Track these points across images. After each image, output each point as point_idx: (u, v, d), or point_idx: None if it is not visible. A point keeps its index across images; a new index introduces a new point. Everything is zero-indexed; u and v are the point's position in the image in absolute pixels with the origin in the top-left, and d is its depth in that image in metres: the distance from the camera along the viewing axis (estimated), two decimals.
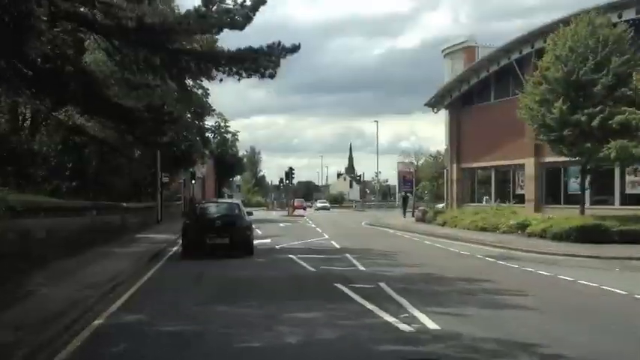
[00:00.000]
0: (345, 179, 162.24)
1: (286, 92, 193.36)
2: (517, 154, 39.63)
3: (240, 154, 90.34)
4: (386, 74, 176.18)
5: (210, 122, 54.34)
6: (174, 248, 24.21)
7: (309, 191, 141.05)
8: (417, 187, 79.49)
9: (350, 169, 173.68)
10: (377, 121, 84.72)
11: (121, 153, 32.54)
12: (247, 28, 18.58)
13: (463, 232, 31.06)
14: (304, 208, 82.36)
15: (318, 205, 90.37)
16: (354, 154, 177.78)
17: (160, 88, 32.29)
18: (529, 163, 38.64)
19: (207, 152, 54.93)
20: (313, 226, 41.24)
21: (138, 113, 25.46)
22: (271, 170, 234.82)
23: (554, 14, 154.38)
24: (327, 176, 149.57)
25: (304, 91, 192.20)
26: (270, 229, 37.52)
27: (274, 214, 66.80)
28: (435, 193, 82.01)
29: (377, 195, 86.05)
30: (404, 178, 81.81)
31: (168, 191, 61.46)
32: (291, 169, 60.36)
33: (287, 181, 59.59)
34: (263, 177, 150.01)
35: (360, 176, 77.26)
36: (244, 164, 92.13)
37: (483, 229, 31.61)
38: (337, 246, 24.02)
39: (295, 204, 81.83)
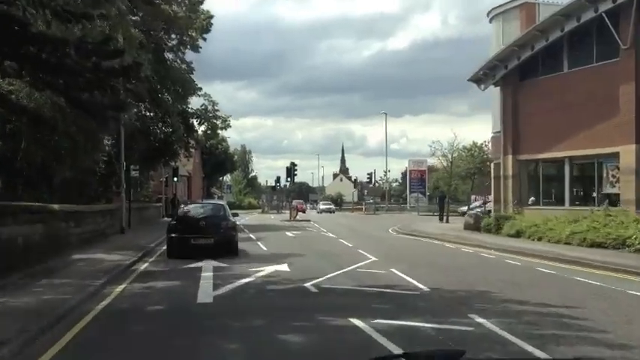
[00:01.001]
0: (341, 180, 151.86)
1: (275, 94, 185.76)
2: (606, 140, 28.76)
3: (231, 150, 79.20)
4: (376, 76, 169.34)
5: (195, 105, 43.09)
6: (121, 287, 13.07)
7: (302, 192, 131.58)
8: (441, 187, 68.83)
9: (343, 170, 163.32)
10: (385, 114, 73.51)
11: (61, 131, 21.41)
12: None
13: (575, 250, 20.18)
14: (304, 210, 71.78)
15: (322, 207, 79.24)
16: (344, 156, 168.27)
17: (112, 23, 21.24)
18: (627, 152, 27.74)
19: (192, 142, 43.77)
20: (333, 236, 30.30)
21: (64, 57, 14.46)
22: (261, 172, 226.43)
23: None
24: (323, 176, 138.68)
25: (293, 93, 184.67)
26: (276, 241, 26.48)
27: (272, 218, 55.70)
28: (451, 194, 71.11)
29: (387, 197, 74.95)
30: (421, 177, 71.01)
31: (146, 191, 50.45)
32: (293, 164, 49.23)
33: (288, 179, 48.52)
34: (255, 177, 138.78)
35: (370, 175, 65.90)
36: (235, 162, 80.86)
37: (598, 245, 20.79)
38: (419, 285, 12.90)
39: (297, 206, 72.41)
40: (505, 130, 35.29)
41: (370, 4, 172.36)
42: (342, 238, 27.75)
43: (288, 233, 31.95)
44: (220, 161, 75.08)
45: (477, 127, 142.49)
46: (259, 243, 24.94)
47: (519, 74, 34.57)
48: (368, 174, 66.50)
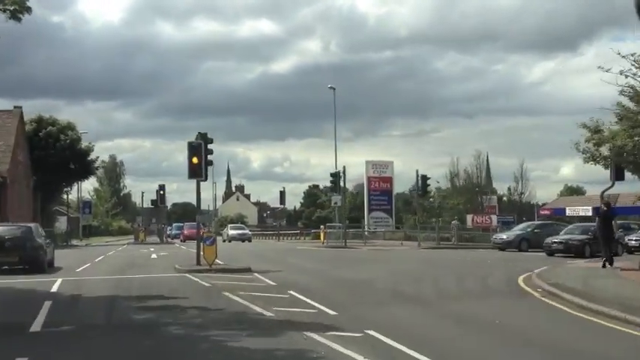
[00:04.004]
0: (238, 199, 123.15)
1: (154, 115, 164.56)
2: None
3: (84, 144, 48.22)
4: (259, 99, 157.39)
5: None
6: None
7: (186, 214, 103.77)
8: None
9: (239, 188, 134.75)
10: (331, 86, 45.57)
11: None
12: None
13: None
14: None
15: (231, 232, 49.66)
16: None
17: None
18: None
19: None
20: None
21: None
22: (137, 195, 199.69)
23: (421, 46, 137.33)
24: (215, 195, 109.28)
25: (173, 114, 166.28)
26: None
27: (155, 259, 26.52)
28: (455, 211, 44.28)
29: (336, 218, 45.53)
30: (384, 188, 43.23)
31: None
32: (204, 136, 20.60)
33: (193, 157, 19.28)
34: (129, 195, 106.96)
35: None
36: (92, 164, 49.62)
37: None
38: None
39: (186, 231, 50.25)
40: None
41: (253, 28, 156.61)
42: None
43: None
44: (62, 160, 44.34)
45: (360, 151, 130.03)
46: None
47: None
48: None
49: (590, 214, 62.31)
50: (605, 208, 20.16)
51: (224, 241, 45.85)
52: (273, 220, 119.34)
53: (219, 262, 20.53)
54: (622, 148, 18.34)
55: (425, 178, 37.05)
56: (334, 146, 43.49)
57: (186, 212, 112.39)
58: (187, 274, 17.90)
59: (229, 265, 20.68)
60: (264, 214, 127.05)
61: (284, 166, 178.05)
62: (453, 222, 39.72)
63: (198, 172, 20.34)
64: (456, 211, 47.41)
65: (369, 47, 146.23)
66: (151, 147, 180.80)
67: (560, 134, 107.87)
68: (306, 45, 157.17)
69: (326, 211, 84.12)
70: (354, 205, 63.00)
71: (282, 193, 52.49)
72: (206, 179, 21.05)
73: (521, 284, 15.44)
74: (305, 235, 54.40)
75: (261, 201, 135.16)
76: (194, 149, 20.58)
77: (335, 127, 44.11)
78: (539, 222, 35.82)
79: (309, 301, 12.03)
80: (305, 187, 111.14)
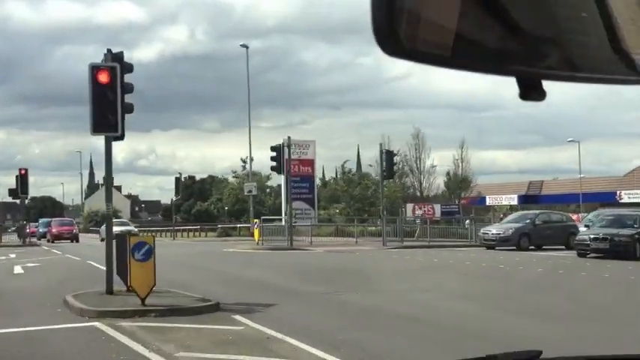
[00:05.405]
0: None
1: (6, 102, 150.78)
2: None
3: None
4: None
5: None
6: None
7: (47, 209, 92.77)
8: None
9: (93, 185, 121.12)
10: None
11: None
12: None
13: None
14: (75, 236, 39.50)
15: (115, 229, 38.84)
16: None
17: None
18: None
19: None
20: None
21: None
22: None
23: (289, 36, 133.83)
24: (82, 187, 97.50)
25: (28, 103, 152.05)
26: None
27: (21, 280, 16.13)
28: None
29: (251, 208, 35.78)
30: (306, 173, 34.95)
31: None
32: (116, 57, 11.19)
33: (100, 94, 10.08)
34: None
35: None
36: None
37: None
38: None
39: (55, 229, 40.69)
40: None
41: (115, 11, 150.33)
42: None
43: None
44: None
45: (229, 143, 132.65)
46: None
47: None
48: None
49: (515, 202, 56.59)
50: None
51: (102, 240, 35.21)
52: (150, 215, 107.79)
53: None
54: None
55: (391, 154, 28.12)
56: (248, 125, 34.77)
57: (47, 207, 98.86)
58: (103, 326, 8.29)
59: (166, 292, 11.01)
60: (137, 208, 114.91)
61: (149, 158, 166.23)
62: (418, 212, 31.43)
63: (110, 121, 10.64)
64: (393, 200, 39.36)
65: (236, 36, 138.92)
66: (5, 138, 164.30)
67: (423, 127, 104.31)
68: (171, 32, 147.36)
69: (206, 204, 76.55)
70: (237, 199, 53.98)
71: (178, 181, 42.06)
72: (123, 136, 11.44)
73: None
74: (207, 230, 44.22)
75: (132, 194, 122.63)
76: (103, 83, 10.87)
77: (249, 96, 35.42)
78: (539, 211, 28.04)
79: None
80: (174, 179, 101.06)
